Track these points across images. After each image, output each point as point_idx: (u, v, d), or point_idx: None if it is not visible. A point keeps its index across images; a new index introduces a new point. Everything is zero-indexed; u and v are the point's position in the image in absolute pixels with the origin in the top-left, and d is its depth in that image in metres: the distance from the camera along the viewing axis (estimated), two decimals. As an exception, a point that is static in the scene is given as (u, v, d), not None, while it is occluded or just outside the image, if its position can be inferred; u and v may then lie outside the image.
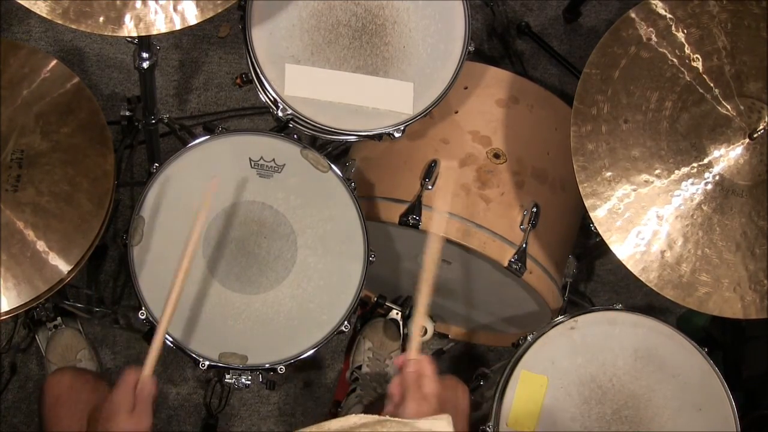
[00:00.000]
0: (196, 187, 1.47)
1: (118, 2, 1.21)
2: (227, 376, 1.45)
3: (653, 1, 1.48)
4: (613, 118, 1.46)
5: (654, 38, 1.47)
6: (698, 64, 1.47)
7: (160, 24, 1.23)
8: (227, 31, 2.32)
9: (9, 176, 1.39)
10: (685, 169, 1.45)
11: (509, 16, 2.44)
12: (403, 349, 2.03)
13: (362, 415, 0.92)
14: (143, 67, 1.51)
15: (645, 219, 1.43)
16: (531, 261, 1.61)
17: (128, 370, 1.26)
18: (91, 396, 1.41)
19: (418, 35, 1.58)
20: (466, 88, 1.75)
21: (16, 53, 1.48)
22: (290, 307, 1.45)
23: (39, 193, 1.40)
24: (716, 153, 1.45)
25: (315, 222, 1.48)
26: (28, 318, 1.89)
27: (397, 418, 0.94)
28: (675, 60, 1.47)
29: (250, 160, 1.50)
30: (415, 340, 1.20)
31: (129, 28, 1.22)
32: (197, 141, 1.50)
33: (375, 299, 1.95)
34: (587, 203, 1.43)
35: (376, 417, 0.92)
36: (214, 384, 2.00)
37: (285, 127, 1.57)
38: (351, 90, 1.54)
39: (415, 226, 1.58)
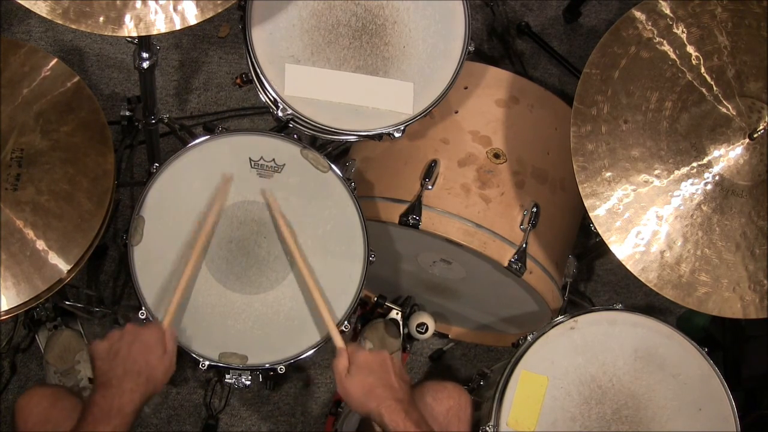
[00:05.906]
0: (196, 187, 1.47)
1: (118, 2, 1.21)
2: (227, 376, 1.44)
3: (655, 0, 1.48)
4: (612, 118, 1.46)
5: (654, 38, 1.47)
6: (699, 64, 1.47)
7: (160, 24, 1.23)
8: (227, 31, 2.32)
9: (9, 175, 1.39)
10: (684, 169, 1.45)
11: (509, 16, 2.44)
12: (404, 349, 2.03)
13: None
14: (143, 67, 1.51)
15: (644, 219, 1.43)
16: (531, 261, 1.61)
17: (150, 322, 1.33)
18: (61, 414, 1.36)
19: (418, 35, 1.58)
20: (466, 88, 1.75)
21: (17, 52, 1.48)
22: (290, 307, 1.44)
23: (39, 192, 1.40)
24: (716, 153, 1.45)
25: (315, 222, 1.48)
26: (28, 318, 1.89)
27: None
28: (675, 60, 1.47)
29: (250, 160, 1.50)
30: (334, 332, 1.36)
31: (129, 28, 1.22)
32: (197, 141, 1.50)
33: (375, 299, 1.95)
34: (587, 203, 1.43)
35: None
36: (214, 384, 1.99)
37: (285, 127, 1.57)
38: (351, 90, 1.54)
39: (415, 226, 1.58)
